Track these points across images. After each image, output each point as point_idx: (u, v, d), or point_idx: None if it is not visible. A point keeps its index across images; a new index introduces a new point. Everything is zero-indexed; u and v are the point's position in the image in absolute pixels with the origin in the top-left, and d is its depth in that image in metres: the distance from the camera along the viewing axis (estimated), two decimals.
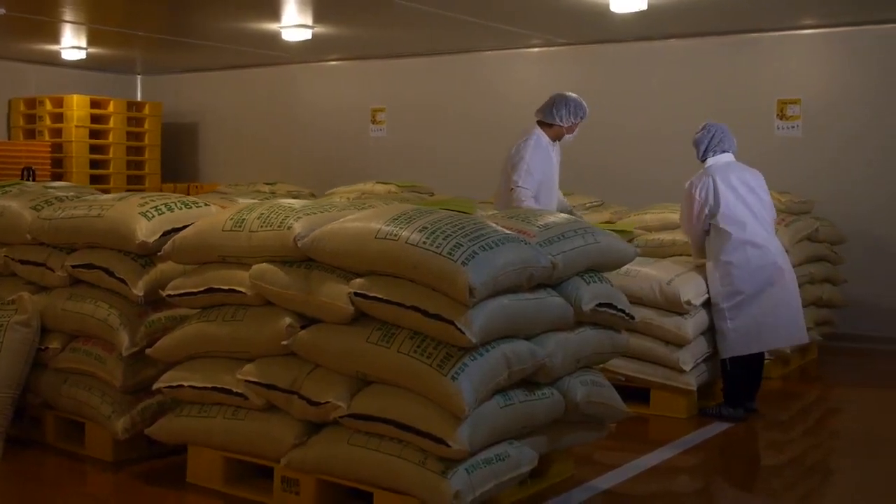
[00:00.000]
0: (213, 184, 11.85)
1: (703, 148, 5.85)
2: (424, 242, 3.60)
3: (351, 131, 11.58)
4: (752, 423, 5.80)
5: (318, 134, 11.85)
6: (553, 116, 6.11)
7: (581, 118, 6.14)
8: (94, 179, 11.71)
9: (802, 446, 5.68)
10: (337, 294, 3.78)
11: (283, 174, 11.78)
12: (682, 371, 5.68)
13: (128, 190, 11.13)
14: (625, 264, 4.62)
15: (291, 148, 12.10)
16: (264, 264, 4.01)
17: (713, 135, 5.84)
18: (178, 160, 13.13)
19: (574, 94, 6.20)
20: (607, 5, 7.57)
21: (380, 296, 3.67)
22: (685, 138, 9.12)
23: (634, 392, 5.93)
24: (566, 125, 6.12)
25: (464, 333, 3.48)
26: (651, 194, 8.14)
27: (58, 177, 11.30)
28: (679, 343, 5.70)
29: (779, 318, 5.72)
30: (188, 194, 11.31)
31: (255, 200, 4.72)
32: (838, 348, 8.22)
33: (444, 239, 3.60)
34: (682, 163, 8.85)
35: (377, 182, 9.64)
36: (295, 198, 9.47)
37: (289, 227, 3.96)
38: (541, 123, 6.20)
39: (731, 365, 5.74)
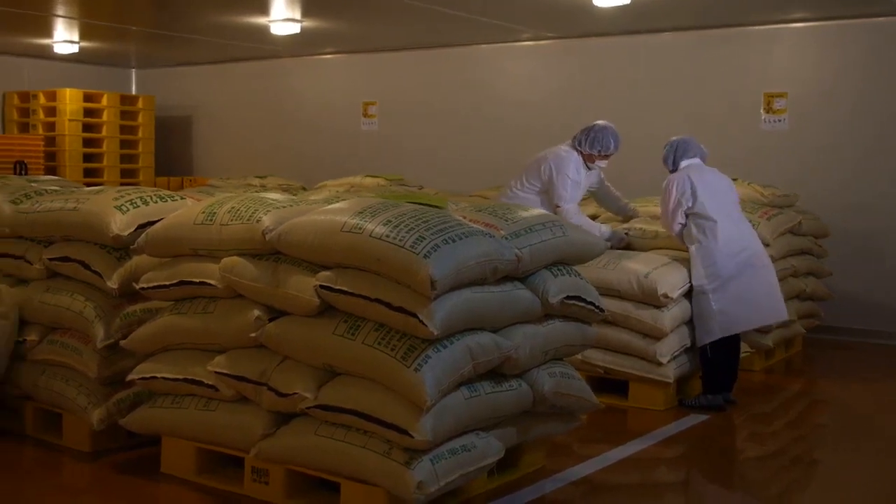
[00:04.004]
0: (207, 178, 11.89)
1: (671, 160, 6.04)
2: (388, 235, 3.64)
3: (342, 125, 11.61)
4: (731, 415, 5.84)
5: (309, 127, 11.89)
6: (578, 140, 6.27)
7: (599, 152, 6.22)
8: (88, 173, 11.75)
9: (784, 438, 5.70)
10: (303, 287, 3.82)
11: (276, 167, 11.82)
12: (659, 363, 5.72)
13: (121, 184, 11.19)
14: (594, 257, 4.64)
15: (283, 141, 12.14)
16: (234, 257, 4.05)
17: (676, 147, 6.04)
18: (171, 154, 13.18)
19: (603, 125, 6.26)
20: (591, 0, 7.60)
21: (345, 288, 3.71)
22: (671, 132, 9.17)
23: (613, 384, 5.98)
24: (585, 153, 6.24)
25: (426, 325, 3.52)
26: (637, 187, 8.16)
27: (51, 170, 11.36)
28: (656, 336, 5.74)
29: (760, 297, 5.87)
30: (182, 188, 11.42)
31: (231, 194, 4.76)
32: (824, 341, 8.26)
33: (407, 232, 3.64)
34: None
35: (366, 175, 9.68)
36: (286, 191, 9.52)
37: (258, 221, 4.00)
38: None
39: (712, 351, 5.80)
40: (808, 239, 7.69)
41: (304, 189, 10.08)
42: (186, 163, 13.19)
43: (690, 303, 5.89)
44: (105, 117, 12.02)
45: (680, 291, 5.79)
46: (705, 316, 5.81)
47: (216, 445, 4.17)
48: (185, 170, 13.09)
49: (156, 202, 4.68)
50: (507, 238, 4.01)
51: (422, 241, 3.59)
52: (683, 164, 5.95)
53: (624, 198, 6.92)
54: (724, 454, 5.29)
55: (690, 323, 5.91)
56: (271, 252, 4.01)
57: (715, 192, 5.85)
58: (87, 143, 11.95)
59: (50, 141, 11.70)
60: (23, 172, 10.35)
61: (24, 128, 12.06)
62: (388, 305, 3.62)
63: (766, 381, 6.89)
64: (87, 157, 11.94)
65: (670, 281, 5.75)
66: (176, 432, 4.26)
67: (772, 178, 8.27)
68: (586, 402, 4.43)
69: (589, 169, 6.36)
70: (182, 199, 4.79)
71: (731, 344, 5.87)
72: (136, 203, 4.62)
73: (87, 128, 11.94)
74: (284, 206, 4.11)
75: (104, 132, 12.03)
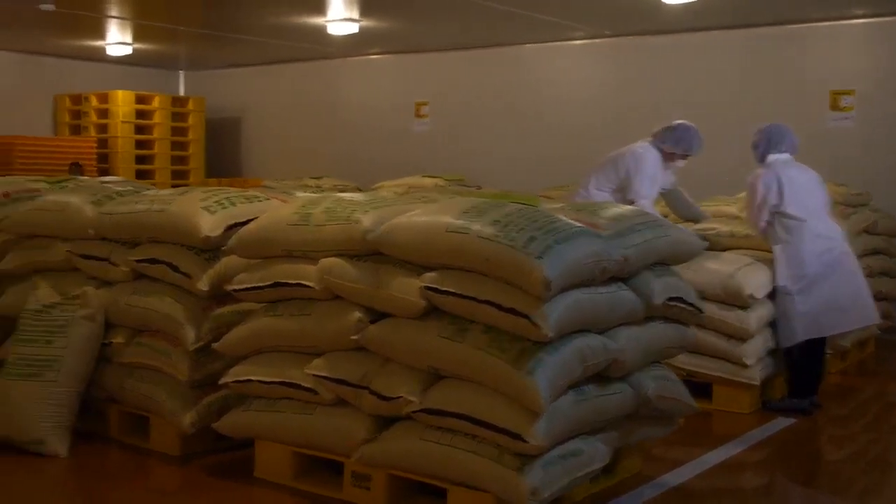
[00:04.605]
0: (257, 179, 11.88)
1: (760, 150, 5.91)
2: (497, 236, 3.56)
3: (395, 125, 11.55)
4: (815, 419, 5.73)
5: (361, 128, 11.84)
6: (660, 138, 6.22)
7: (684, 151, 6.19)
8: (140, 175, 11.78)
9: (862, 441, 5.60)
10: (408, 288, 3.74)
11: (326, 169, 11.78)
12: (744, 366, 5.62)
13: (173, 185, 11.21)
14: (693, 258, 4.56)
15: (334, 142, 12.10)
16: (333, 258, 3.97)
17: (770, 137, 5.89)
18: (220, 155, 13.18)
19: (688, 126, 6.23)
20: None
21: (452, 290, 3.62)
22: (736, 131, 9.04)
23: (695, 387, 5.85)
24: (667, 151, 6.20)
25: (540, 328, 3.43)
26: (703, 187, 8.04)
27: (104, 172, 11.39)
28: (742, 337, 5.63)
29: (848, 300, 5.73)
30: None
31: (316, 194, 4.71)
32: (895, 342, 8.10)
33: (517, 232, 3.56)
34: (732, 156, 8.77)
35: (424, 175, 9.62)
36: (341, 192, 9.48)
37: (356, 221, 3.92)
38: None
39: (798, 353, 5.68)
40: (882, 238, 7.56)
41: (360, 190, 10.03)
42: (235, 165, 13.19)
43: (774, 303, 5.79)
44: (156, 119, 12.05)
45: (766, 291, 5.68)
46: (789, 317, 5.70)
47: (314, 449, 4.10)
48: (234, 171, 13.09)
49: (243, 203, 4.62)
50: (610, 238, 3.92)
51: (533, 242, 3.51)
52: (772, 157, 5.81)
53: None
54: (814, 459, 5.18)
55: (774, 324, 5.80)
56: (370, 253, 3.94)
57: (802, 189, 5.72)
58: (139, 144, 11.98)
59: (102, 143, 11.73)
60: (79, 174, 10.34)
61: (76, 130, 12.11)
62: (499, 307, 3.53)
63: (843, 383, 6.77)
64: (139, 159, 11.98)
65: (756, 281, 5.64)
66: (272, 436, 4.19)
67: (839, 176, 8.10)
68: (685, 405, 4.35)
69: (665, 168, 6.29)
70: (268, 199, 4.73)
71: (817, 346, 5.75)
72: (223, 204, 4.57)
73: (138, 129, 11.98)
74: (381, 207, 4.04)
75: (155, 134, 12.06)
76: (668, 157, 6.22)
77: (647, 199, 6.13)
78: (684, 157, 6.23)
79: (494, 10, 8.54)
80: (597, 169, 6.42)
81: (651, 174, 6.15)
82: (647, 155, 6.18)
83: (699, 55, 9.53)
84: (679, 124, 6.21)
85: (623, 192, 6.25)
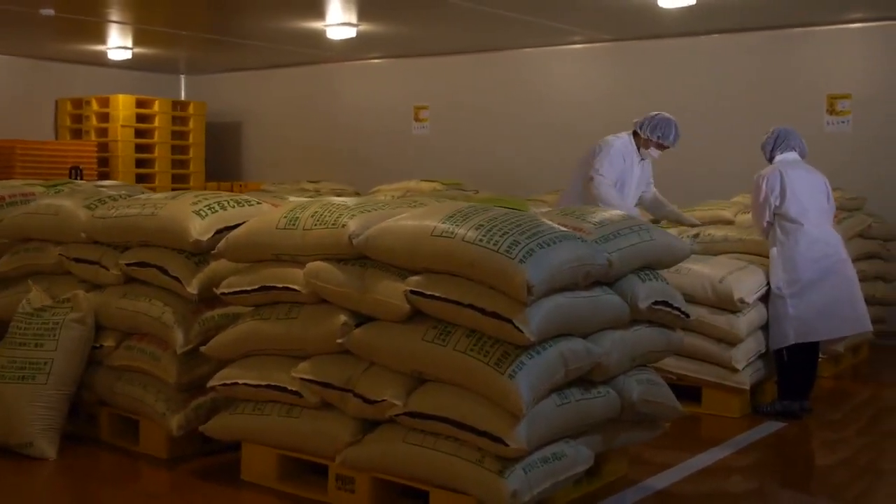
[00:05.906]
0: (257, 182, 11.91)
1: (768, 149, 5.95)
2: (481, 240, 3.58)
3: (394, 129, 11.57)
4: (806, 423, 5.73)
5: (361, 132, 11.86)
6: (639, 124, 6.37)
7: (658, 138, 6.31)
8: (140, 178, 11.81)
9: (855, 446, 5.59)
10: (392, 292, 3.77)
11: (326, 172, 11.80)
12: (734, 370, 5.62)
13: (173, 189, 11.24)
14: (679, 262, 4.58)
15: (334, 146, 12.12)
16: (319, 262, 4.00)
17: (777, 136, 5.94)
18: (221, 159, 13.20)
19: (668, 117, 6.37)
20: (655, 1, 7.50)
21: (436, 294, 3.65)
22: (734, 133, 9.07)
23: (685, 391, 5.87)
24: (643, 137, 6.35)
25: (521, 332, 3.46)
26: (701, 191, 8.07)
27: (104, 176, 11.41)
28: (732, 341, 5.64)
29: (842, 307, 5.73)
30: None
31: (306, 199, 4.74)
32: (890, 347, 8.09)
33: (501, 236, 3.58)
34: (730, 159, 8.81)
35: (422, 180, 9.64)
36: (339, 196, 9.50)
37: (343, 225, 3.95)
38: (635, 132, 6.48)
39: (789, 356, 5.69)
40: (876, 242, 7.57)
41: (358, 194, 10.05)
42: (236, 168, 13.22)
43: (766, 306, 5.79)
44: (157, 123, 12.08)
45: (756, 296, 5.69)
46: (781, 320, 5.70)
47: (299, 452, 4.13)
48: (234, 175, 13.12)
49: (233, 207, 4.66)
50: (596, 242, 3.95)
51: (517, 246, 3.53)
52: (779, 157, 5.84)
53: (672, 203, 6.88)
54: (802, 463, 5.18)
55: (765, 328, 5.81)
56: (356, 257, 3.96)
57: (804, 192, 5.72)
58: (139, 148, 12.02)
59: (103, 147, 11.77)
60: (78, 178, 10.39)
61: (77, 134, 12.15)
62: (482, 311, 3.56)
63: (836, 388, 6.77)
64: (139, 163, 12.01)
65: (746, 285, 5.65)
66: (258, 439, 4.22)
67: (835, 180, 8.07)
68: (671, 408, 4.37)
69: (641, 158, 6.41)
70: (259, 203, 4.76)
71: (809, 350, 5.75)
72: (213, 208, 4.60)
73: (139, 133, 12.01)
74: (368, 211, 4.06)
75: (156, 138, 12.09)
76: (644, 144, 6.38)
77: (602, 177, 6.26)
78: (659, 146, 6.35)
79: (493, 14, 8.57)
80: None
81: (613, 155, 6.31)
82: (614, 142, 6.39)
83: (697, 59, 9.54)
84: (659, 114, 6.39)
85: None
